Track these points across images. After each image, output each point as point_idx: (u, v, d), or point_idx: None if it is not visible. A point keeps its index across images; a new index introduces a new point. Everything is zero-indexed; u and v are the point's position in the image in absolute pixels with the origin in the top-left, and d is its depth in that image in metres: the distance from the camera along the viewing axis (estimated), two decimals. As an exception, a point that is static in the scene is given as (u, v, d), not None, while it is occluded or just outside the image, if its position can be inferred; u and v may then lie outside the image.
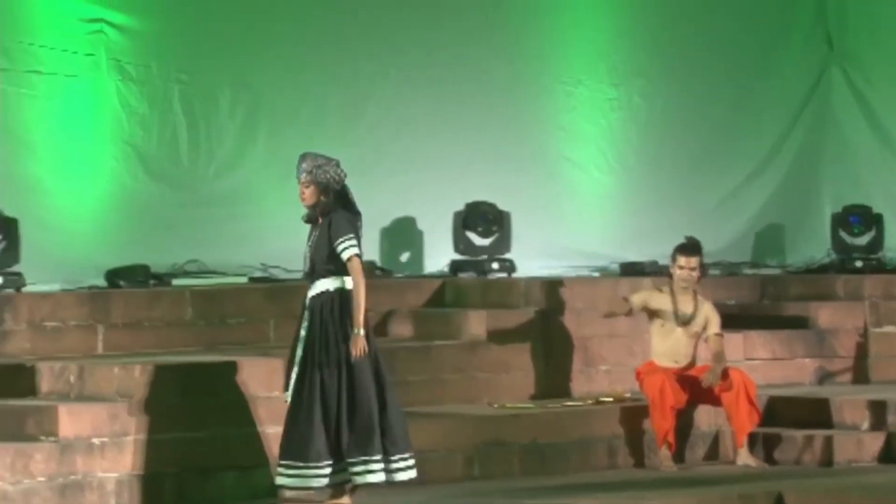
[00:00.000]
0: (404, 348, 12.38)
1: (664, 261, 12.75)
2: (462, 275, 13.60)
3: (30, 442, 10.02)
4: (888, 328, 13.71)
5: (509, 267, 13.66)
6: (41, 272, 12.12)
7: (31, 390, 10.74)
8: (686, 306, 12.00)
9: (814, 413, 12.38)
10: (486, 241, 13.69)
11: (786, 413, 12.39)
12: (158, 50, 12.93)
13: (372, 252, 13.60)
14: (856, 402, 12.34)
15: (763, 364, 13.12)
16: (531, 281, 13.28)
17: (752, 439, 11.94)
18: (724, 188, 15.24)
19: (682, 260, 11.98)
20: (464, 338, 12.62)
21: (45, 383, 10.74)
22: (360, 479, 9.91)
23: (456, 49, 14.09)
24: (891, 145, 15.37)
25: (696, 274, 12.03)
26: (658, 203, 14.74)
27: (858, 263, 14.69)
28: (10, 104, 12.37)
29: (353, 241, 10.00)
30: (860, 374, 13.63)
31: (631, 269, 14.01)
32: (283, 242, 13.03)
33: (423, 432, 11.18)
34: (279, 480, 9.97)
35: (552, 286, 13.06)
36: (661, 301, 12.01)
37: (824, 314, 13.85)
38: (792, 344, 13.56)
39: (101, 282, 12.34)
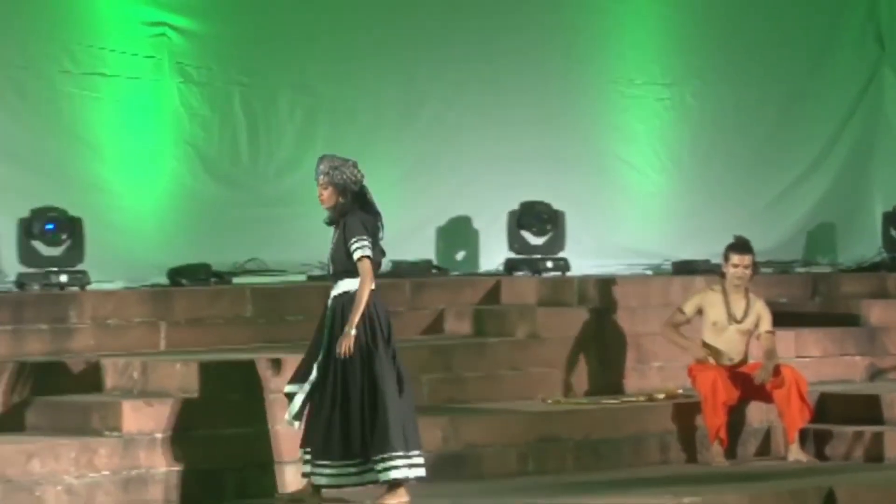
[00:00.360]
0: (460, 345, 12.39)
1: (716, 259, 12.70)
2: (517, 273, 13.57)
3: (94, 437, 10.07)
4: (939, 326, 13.72)
5: (563, 265, 13.64)
6: (105, 270, 12.18)
7: (95, 386, 10.80)
8: (738, 305, 11.98)
9: (864, 409, 12.34)
10: (540, 240, 13.68)
11: (836, 409, 12.35)
12: (219, 53, 12.97)
13: (428, 251, 13.73)
14: (905, 399, 12.42)
15: (814, 361, 13.07)
16: (585, 279, 13.25)
17: (804, 435, 11.93)
18: (775, 187, 15.21)
19: (735, 258, 11.95)
20: (518, 335, 12.59)
21: (109, 379, 10.79)
22: (382, 477, 9.85)
23: (511, 50, 14.08)
24: (944, 143, 15.50)
25: (749, 272, 12.01)
26: (710, 202, 14.73)
27: (910, 261, 14.79)
28: (75, 106, 12.43)
29: (364, 242, 9.93)
30: (910, 370, 13.66)
31: (683, 268, 13.97)
32: (341, 241, 13.28)
33: (478, 428, 11.30)
34: (319, 482, 9.97)
35: (605, 284, 13.05)
36: (713, 301, 12.00)
37: (875, 312, 13.81)
38: (843, 341, 13.50)
39: (164, 280, 12.39)
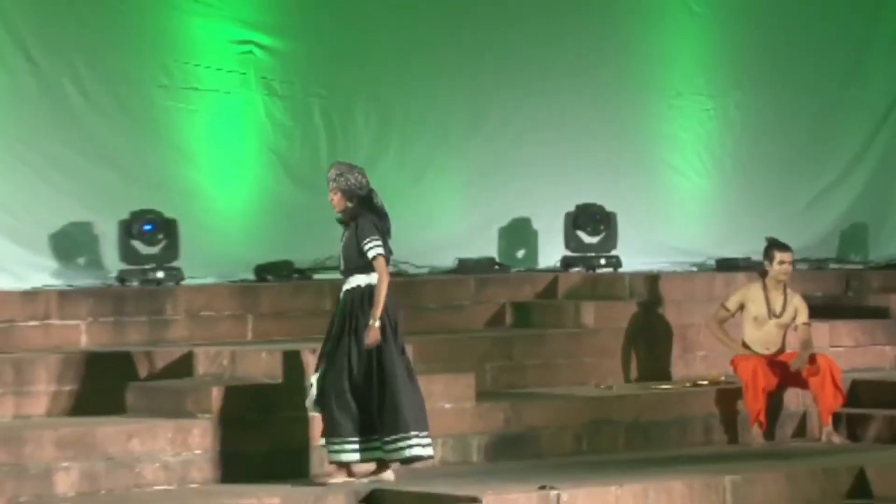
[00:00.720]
0: (520, 336, 12.45)
1: (756, 257, 12.73)
2: (572, 270, 13.56)
3: (188, 419, 10.19)
4: (963, 318, 13.65)
5: (615, 263, 13.66)
6: (198, 267, 12.29)
7: (188, 372, 10.91)
8: (777, 300, 12.00)
9: (893, 395, 12.29)
10: (594, 240, 13.68)
11: (868, 395, 12.33)
12: (301, 68, 13.01)
13: (490, 249, 13.73)
14: (933, 385, 12.36)
15: (847, 351, 13.03)
16: (635, 275, 13.29)
17: (837, 419, 11.91)
18: (811, 190, 15.15)
19: (780, 256, 11.98)
20: (574, 326, 12.65)
21: (201, 366, 10.91)
22: (395, 456, 9.89)
23: (567, 65, 14.07)
24: (970, 149, 15.39)
25: (792, 268, 12.06)
26: (751, 204, 14.67)
27: (936, 258, 14.75)
28: (171, 117, 12.53)
29: (378, 241, 9.94)
30: (936, 359, 13.58)
31: (726, 265, 13.97)
32: (412, 240, 13.02)
33: (537, 411, 11.35)
34: (332, 459, 9.96)
35: (654, 280, 13.10)
36: (754, 297, 12.01)
37: (903, 305, 13.83)
38: (874, 332, 13.47)
39: (251, 276, 12.48)
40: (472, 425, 11.05)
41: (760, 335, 12.00)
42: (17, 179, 11.96)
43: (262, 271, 12.46)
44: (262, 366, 10.57)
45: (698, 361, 12.77)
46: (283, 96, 12.97)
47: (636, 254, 13.88)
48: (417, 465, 10.06)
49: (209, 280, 12.26)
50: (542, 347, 12.34)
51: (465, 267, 13.34)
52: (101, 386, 10.67)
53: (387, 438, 9.88)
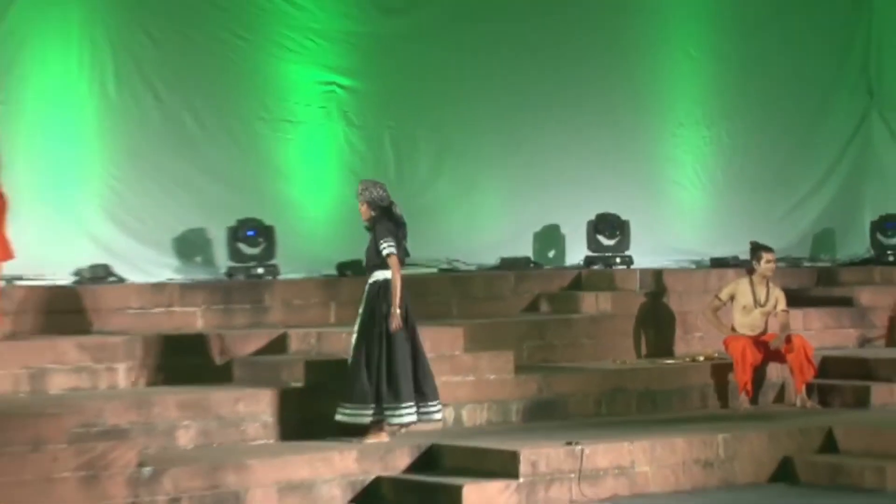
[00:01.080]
0: (551, 320, 12.48)
1: (743, 256, 12.74)
2: (593, 266, 13.55)
3: (283, 387, 10.21)
4: (914, 306, 13.60)
5: (628, 261, 13.63)
6: (291, 264, 12.30)
7: (283, 349, 10.97)
8: (762, 292, 11.97)
9: (856, 368, 12.31)
10: (611, 242, 13.65)
11: (835, 368, 12.31)
12: (373, 104, 13.02)
13: (527, 250, 13.67)
14: (888, 360, 12.32)
15: (817, 332, 12.99)
16: (644, 271, 13.25)
17: (809, 388, 11.90)
18: (789, 202, 15.08)
19: (766, 256, 11.97)
20: (594, 313, 12.66)
21: (293, 344, 10.96)
22: (394, 420, 9.81)
23: (591, 100, 13.97)
24: (917, 170, 15.33)
25: (775, 265, 12.03)
26: (739, 213, 14.59)
27: (891, 258, 14.58)
28: (269, 144, 12.54)
29: (391, 243, 9.84)
30: (891, 340, 13.50)
31: (718, 263, 13.94)
32: (463, 243, 13.28)
33: (565, 381, 11.36)
34: (337, 418, 9.85)
35: (659, 275, 13.08)
36: (743, 290, 11.99)
37: (864, 296, 13.75)
38: (840, 318, 13.48)
39: (333, 271, 12.44)
40: (511, 393, 11.08)
41: (748, 320, 11.97)
42: (146, 194, 12.01)
43: (342, 268, 12.46)
44: (343, 344, 10.55)
45: (696, 341, 12.76)
46: (359, 126, 12.97)
47: (645, 253, 13.83)
48: (429, 426, 10.03)
49: (300, 275, 12.26)
50: (569, 330, 12.37)
51: (506, 264, 13.32)
52: (213, 360, 10.72)
53: (386, 405, 9.83)
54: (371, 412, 9.82)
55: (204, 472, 9.13)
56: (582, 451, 9.67)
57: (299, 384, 10.24)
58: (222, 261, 12.23)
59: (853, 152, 15.38)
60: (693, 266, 14.10)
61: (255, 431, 9.99)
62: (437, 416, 10.01)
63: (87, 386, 10.24)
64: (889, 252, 14.66)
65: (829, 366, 12.30)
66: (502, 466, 9.47)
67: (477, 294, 12.74)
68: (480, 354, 11.08)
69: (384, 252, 9.87)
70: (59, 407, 9.28)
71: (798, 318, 12.79)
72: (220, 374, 10.65)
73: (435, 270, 13.02)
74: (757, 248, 12.06)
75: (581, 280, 13.28)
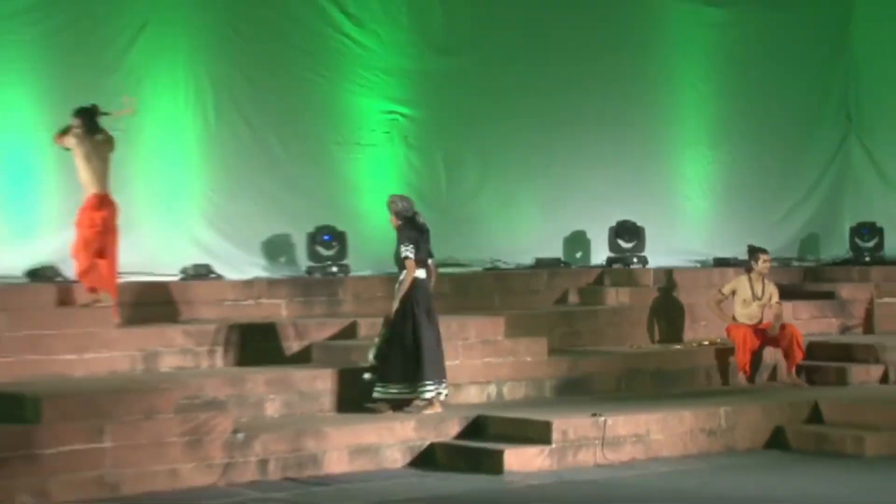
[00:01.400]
0: (578, 311, 12.44)
1: (742, 256, 12.67)
2: (614, 266, 13.47)
3: (352, 367, 10.17)
4: (887, 299, 13.45)
5: (643, 261, 13.53)
6: (360, 263, 12.28)
7: (353, 335, 10.94)
8: (759, 287, 11.94)
9: (838, 352, 12.26)
10: (629, 245, 13.58)
11: (820, 352, 12.24)
12: (429, 129, 12.99)
13: (557, 251, 13.60)
14: (865, 345, 12.26)
15: (806, 321, 12.91)
16: (658, 269, 13.17)
17: (799, 368, 11.82)
18: (780, 211, 14.95)
19: (763, 257, 11.96)
20: (615, 304, 12.62)
21: (362, 331, 10.90)
22: (426, 395, 9.74)
23: (612, 124, 13.85)
24: (889, 184, 15.08)
25: (770, 264, 12.01)
26: (738, 220, 14.47)
27: (867, 258, 14.46)
28: (342, 163, 12.53)
29: (409, 247, 9.79)
30: (868, 328, 13.43)
31: (721, 262, 13.85)
32: (503, 245, 13.25)
33: (590, 363, 11.33)
34: (375, 395, 9.77)
35: (670, 273, 13.01)
36: (743, 286, 11.97)
37: (845, 290, 13.67)
38: (824, 309, 13.41)
39: (394, 270, 12.03)
40: (545, 372, 11.07)
41: (747, 312, 11.93)
42: (240, 205, 12.04)
43: (404, 267, 12.45)
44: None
45: (701, 329, 12.69)
46: (416, 148, 12.94)
47: (658, 254, 13.71)
48: (443, 403, 9.89)
49: (367, 272, 12.22)
50: (593, 319, 12.33)
51: (540, 264, 13.29)
52: (295, 344, 10.72)
53: (417, 383, 9.79)
54: (404, 389, 9.79)
55: (287, 437, 9.18)
56: (605, 421, 9.66)
57: (366, 364, 10.16)
58: (303, 261, 12.24)
59: (835, 169, 15.27)
60: (699, 265, 14.04)
61: (330, 404, 10.01)
62: (428, 394, 9.77)
63: (191, 365, 10.28)
64: (865, 253, 14.58)
65: (815, 350, 12.25)
66: (538, 434, 9.47)
67: (516, 289, 12.73)
68: (519, 340, 11.09)
69: (401, 254, 9.87)
70: (168, 383, 9.37)
71: (789, 309, 12.72)
72: (301, 356, 10.67)
73: (480, 269, 13.00)
74: (754, 251, 12.03)
75: (604, 277, 13.23)
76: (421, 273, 9.92)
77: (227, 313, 11.05)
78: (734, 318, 12.00)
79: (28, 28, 11.01)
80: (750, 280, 11.97)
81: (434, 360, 9.82)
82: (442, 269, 12.54)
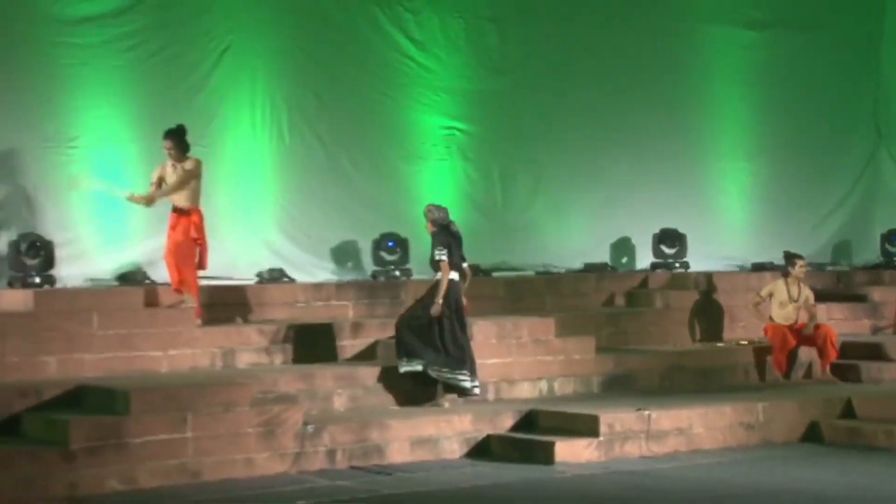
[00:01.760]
0: (624, 312, 12.35)
1: (778, 261, 12.53)
2: (657, 270, 13.34)
3: None
4: (916, 301, 13.35)
5: (685, 265, 13.42)
6: (421, 268, 11.86)
7: None
8: (794, 290, 11.85)
9: (870, 351, 12.07)
10: (672, 251, 13.42)
11: (853, 351, 12.03)
12: (484, 143, 12.93)
13: (605, 256, 13.49)
14: (895, 345, 12.08)
15: (839, 322, 12.69)
16: (699, 274, 13.05)
17: (833, 367, 11.66)
18: (814, 219, 14.70)
19: (799, 262, 11.90)
20: (658, 306, 12.51)
21: None
22: (450, 382, 9.72)
23: (658, 139, 13.69)
24: (916, 193, 15.06)
25: (805, 269, 11.92)
26: (774, 228, 14.25)
27: (896, 263, 14.40)
28: (406, 176, 12.47)
29: (441, 251, 9.82)
30: (898, 328, 13.31)
31: (758, 267, 13.69)
32: (555, 251, 13.15)
33: (634, 360, 11.24)
34: (402, 370, 9.80)
35: (710, 277, 12.88)
36: (779, 289, 11.88)
37: (876, 293, 13.48)
38: (856, 311, 13.21)
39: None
40: (593, 369, 11.00)
41: (783, 313, 11.82)
42: (310, 213, 12.04)
43: (439, 269, 12.28)
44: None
45: (740, 329, 12.54)
46: (473, 161, 12.91)
47: (699, 259, 13.57)
48: (474, 394, 9.87)
49: (428, 276, 11.85)
50: (638, 320, 12.24)
51: (589, 268, 13.20)
52: (360, 342, 10.67)
53: (445, 369, 9.78)
54: (419, 365, 9.75)
55: (354, 429, 9.17)
56: (649, 415, 9.59)
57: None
58: (368, 265, 12.25)
59: (866, 179, 15.03)
60: (737, 269, 13.87)
61: (392, 398, 9.97)
62: (465, 383, 9.79)
63: (265, 362, 10.27)
64: (895, 258, 14.39)
65: (847, 349, 12.03)
66: (586, 427, 9.42)
67: (565, 291, 12.64)
68: (568, 339, 11.04)
69: (435, 258, 9.89)
70: (245, 378, 9.38)
71: (823, 310, 12.59)
72: (366, 354, 10.63)
73: (532, 273, 12.94)
74: (791, 256, 11.96)
75: (648, 280, 13.13)
76: (454, 275, 9.91)
77: (299, 314, 11.05)
78: (771, 319, 11.89)
79: (122, 54, 11.17)
80: (786, 283, 11.88)
81: (455, 353, 9.76)
82: (496, 273, 12.65)
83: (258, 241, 11.78)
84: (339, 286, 11.54)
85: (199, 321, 10.19)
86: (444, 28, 12.74)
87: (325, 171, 12.11)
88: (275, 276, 11.52)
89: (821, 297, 12.67)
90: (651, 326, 12.26)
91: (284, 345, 10.37)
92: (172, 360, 9.91)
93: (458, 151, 12.83)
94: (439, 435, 9.39)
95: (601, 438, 9.34)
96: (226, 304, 10.78)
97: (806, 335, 11.69)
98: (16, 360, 9.36)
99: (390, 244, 12.07)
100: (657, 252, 13.52)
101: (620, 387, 11.00)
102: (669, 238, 13.48)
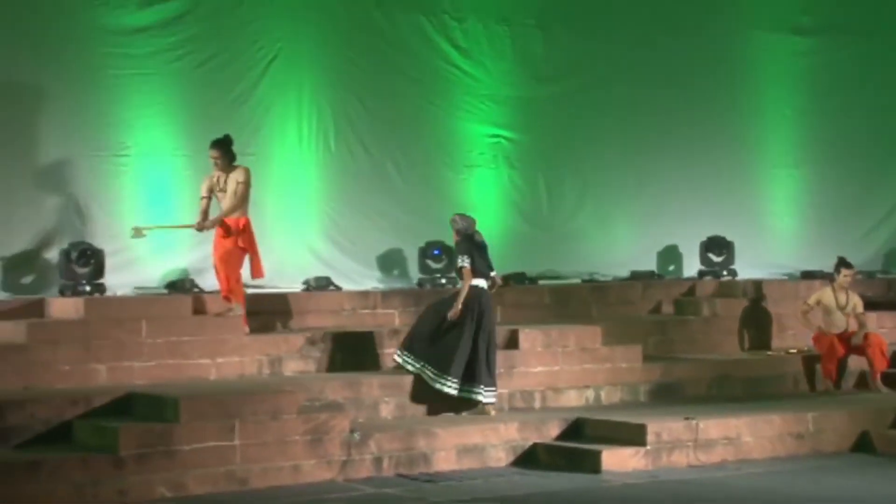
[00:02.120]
0: (671, 320, 12.30)
1: (828, 270, 12.40)
2: (705, 278, 13.25)
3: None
4: (968, 309, 13.14)
5: (733, 273, 13.29)
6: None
7: None
8: (842, 298, 11.75)
9: (922, 360, 11.98)
10: (719, 259, 13.30)
11: (905, 360, 11.97)
12: (530, 151, 12.88)
13: (651, 264, 13.44)
14: (949, 353, 11.94)
15: (889, 331, 12.58)
16: (747, 281, 12.94)
17: (884, 376, 11.54)
18: (864, 227, 14.54)
19: (844, 272, 11.78)
20: (706, 314, 12.42)
21: None
22: (436, 386, 9.70)
23: (704, 146, 13.60)
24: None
25: (851, 279, 11.81)
26: (823, 236, 14.13)
27: (949, 269, 14.21)
28: (451, 184, 12.45)
29: (463, 258, 9.89)
30: (952, 336, 13.06)
31: (807, 275, 13.58)
32: (600, 259, 13.12)
33: (682, 369, 11.20)
34: (396, 359, 9.85)
35: (759, 285, 12.78)
36: (827, 297, 11.79)
37: (928, 300, 13.46)
38: (907, 319, 13.15)
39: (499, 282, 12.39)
40: (640, 377, 10.97)
41: (832, 321, 11.74)
42: (357, 222, 12.04)
43: (507, 279, 12.12)
44: (506, 338, 10.60)
45: (789, 338, 12.46)
46: (519, 169, 12.86)
47: (747, 267, 13.44)
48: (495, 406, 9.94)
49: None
50: (685, 328, 12.20)
51: (636, 276, 13.16)
52: (408, 350, 10.73)
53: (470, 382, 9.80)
54: (419, 366, 9.79)
55: (400, 437, 9.19)
56: (697, 424, 9.55)
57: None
58: (414, 273, 12.23)
59: (918, 187, 14.98)
60: (786, 278, 13.72)
61: (440, 407, 9.92)
62: (478, 397, 9.78)
63: (312, 370, 10.29)
64: (947, 265, 14.32)
65: (898, 358, 11.99)
66: (633, 436, 9.38)
67: (612, 300, 12.63)
68: (615, 347, 11.01)
69: (458, 265, 9.97)
70: (292, 386, 9.42)
71: (873, 319, 12.42)
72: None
73: (579, 281, 12.91)
74: (839, 264, 11.88)
75: (695, 288, 13.03)
76: (480, 282, 9.94)
77: (345, 322, 11.08)
78: (820, 328, 11.79)
79: (169, 65, 11.26)
80: (834, 290, 11.80)
81: (459, 360, 9.73)
82: (542, 282, 12.60)
83: (305, 249, 11.79)
84: (385, 294, 11.54)
85: (246, 329, 10.25)
86: (490, 36, 12.75)
87: (371, 179, 12.12)
88: (321, 285, 11.56)
89: (871, 305, 12.53)
90: (698, 335, 12.20)
91: (331, 353, 10.37)
92: (220, 367, 9.98)
93: (503, 159, 12.79)
94: (485, 443, 9.39)
95: (648, 447, 9.30)
96: (273, 313, 10.81)
97: (855, 344, 11.60)
98: (67, 368, 9.49)
99: (436, 252, 12.05)
100: (704, 260, 13.41)
101: (667, 395, 10.96)
102: (717, 246, 13.36)
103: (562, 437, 9.62)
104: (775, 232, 14.16)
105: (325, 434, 8.94)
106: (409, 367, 9.87)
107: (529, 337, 10.64)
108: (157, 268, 11.19)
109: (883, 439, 10.00)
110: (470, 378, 9.82)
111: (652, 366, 11.07)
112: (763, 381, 11.46)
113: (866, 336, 11.56)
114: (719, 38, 13.79)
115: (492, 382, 9.87)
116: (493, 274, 10.13)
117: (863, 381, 11.76)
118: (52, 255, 10.78)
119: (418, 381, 9.91)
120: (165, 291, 11.02)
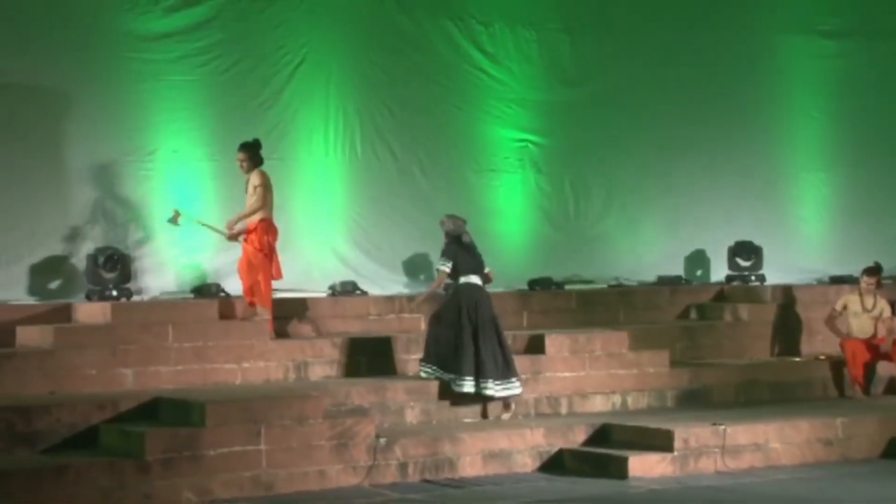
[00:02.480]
0: (699, 326, 12.25)
1: (857, 274, 12.30)
2: (733, 283, 13.14)
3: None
4: None
5: (761, 278, 13.16)
6: (493, 281, 12.07)
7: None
8: (869, 303, 11.69)
9: (953, 366, 11.86)
10: (747, 263, 13.19)
11: (934, 366, 11.85)
12: (557, 155, 12.85)
13: (678, 269, 13.35)
14: (980, 359, 11.80)
15: (919, 336, 12.50)
16: (775, 287, 12.88)
17: (912, 382, 11.56)
18: (893, 230, 14.28)
19: (865, 278, 11.76)
20: (734, 320, 12.40)
21: None
22: (454, 387, 9.81)
23: (733, 151, 13.51)
24: None
25: (873, 286, 11.74)
26: (851, 240, 13.98)
27: (979, 275, 13.91)
28: (478, 189, 12.43)
29: (443, 261, 10.00)
30: (984, 343, 12.88)
31: (836, 280, 13.46)
32: (627, 264, 13.08)
33: (710, 374, 11.15)
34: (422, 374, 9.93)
35: (788, 290, 12.73)
36: (854, 301, 11.74)
37: (961, 306, 13.21)
38: (937, 324, 12.95)
39: (525, 286, 12.30)
40: (667, 383, 10.95)
41: (858, 324, 11.69)
42: (383, 227, 12.03)
43: (532, 283, 12.33)
44: (531, 343, 10.64)
45: (818, 343, 12.41)
46: (546, 174, 12.83)
47: (775, 272, 13.35)
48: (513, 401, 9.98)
49: (500, 289, 11.87)
50: (713, 333, 12.15)
51: (663, 281, 13.09)
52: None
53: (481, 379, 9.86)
54: (437, 371, 9.86)
55: (426, 442, 9.19)
56: (724, 430, 9.50)
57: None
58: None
59: (950, 190, 14.79)
60: (815, 283, 13.62)
61: (465, 411, 9.98)
62: (488, 392, 9.83)
63: (338, 374, 10.33)
64: (981, 270, 14.07)
65: (929, 363, 11.85)
66: (660, 442, 9.37)
67: (639, 305, 12.57)
68: (642, 352, 10.99)
69: (436, 266, 10.09)
70: (317, 391, 9.44)
71: (901, 325, 12.34)
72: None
73: (606, 286, 12.86)
74: (865, 271, 11.83)
75: (723, 294, 12.99)
76: (472, 279, 10.01)
77: (371, 327, 11.09)
78: (848, 334, 11.72)
79: (196, 69, 11.31)
80: (860, 294, 11.76)
81: (467, 357, 9.80)
82: (568, 286, 12.54)
83: (331, 254, 11.80)
84: (411, 299, 11.45)
85: (272, 333, 10.25)
86: (516, 40, 12.73)
87: (397, 184, 12.13)
88: (347, 289, 11.56)
89: (900, 310, 12.49)
90: (726, 340, 12.15)
91: (357, 357, 10.39)
92: (246, 372, 10.01)
93: (530, 164, 12.76)
94: (512, 449, 9.40)
95: (675, 453, 9.28)
96: (299, 317, 10.83)
97: (884, 350, 11.53)
98: (93, 373, 9.53)
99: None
100: (732, 265, 13.31)
101: (695, 401, 10.95)
102: (745, 250, 13.27)
103: (588, 442, 9.62)
104: (804, 236, 14.08)
105: (350, 439, 8.93)
106: (433, 377, 9.93)
107: (556, 342, 10.66)
108: (184, 272, 11.22)
109: (914, 446, 10.05)
110: (481, 374, 9.85)
111: (679, 371, 11.03)
112: (791, 387, 11.42)
113: (895, 342, 11.50)
114: (746, 41, 13.73)
115: (505, 374, 9.91)
116: (486, 270, 10.20)
117: (892, 387, 11.71)
118: (79, 260, 10.83)
119: (445, 385, 9.95)
120: (192, 296, 11.05)
